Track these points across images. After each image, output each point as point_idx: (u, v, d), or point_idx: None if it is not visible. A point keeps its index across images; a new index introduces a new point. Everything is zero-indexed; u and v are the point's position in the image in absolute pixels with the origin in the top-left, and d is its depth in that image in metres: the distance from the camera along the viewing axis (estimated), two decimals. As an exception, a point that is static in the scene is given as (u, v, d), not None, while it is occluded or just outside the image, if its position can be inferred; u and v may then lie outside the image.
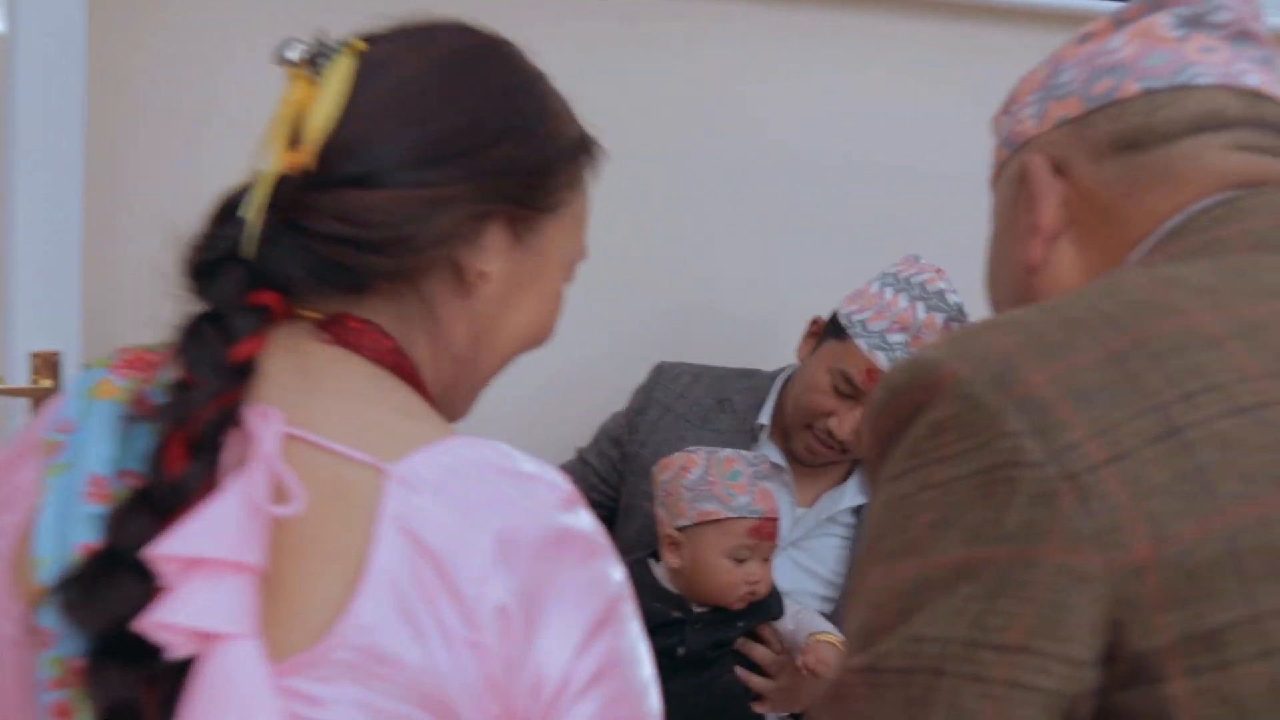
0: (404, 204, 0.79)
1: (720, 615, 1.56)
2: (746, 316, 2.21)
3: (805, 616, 1.62)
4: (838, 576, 1.77)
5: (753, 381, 1.88)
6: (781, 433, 1.80)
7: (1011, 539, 0.64)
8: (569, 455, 1.97)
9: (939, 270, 1.70)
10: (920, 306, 1.66)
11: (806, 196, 2.18)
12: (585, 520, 0.76)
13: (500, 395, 1.80)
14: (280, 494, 0.70)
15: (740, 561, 1.53)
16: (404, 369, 0.82)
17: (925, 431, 0.69)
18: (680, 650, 1.53)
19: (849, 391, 1.67)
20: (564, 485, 0.77)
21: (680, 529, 1.57)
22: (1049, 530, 0.63)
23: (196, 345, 0.75)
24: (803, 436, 1.74)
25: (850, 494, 1.79)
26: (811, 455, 1.75)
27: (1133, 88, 0.83)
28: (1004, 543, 0.64)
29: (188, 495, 0.70)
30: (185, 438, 0.72)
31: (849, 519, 1.80)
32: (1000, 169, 0.93)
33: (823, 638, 1.56)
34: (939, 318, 1.66)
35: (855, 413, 1.68)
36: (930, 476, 0.68)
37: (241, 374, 0.74)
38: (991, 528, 0.65)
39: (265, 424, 0.72)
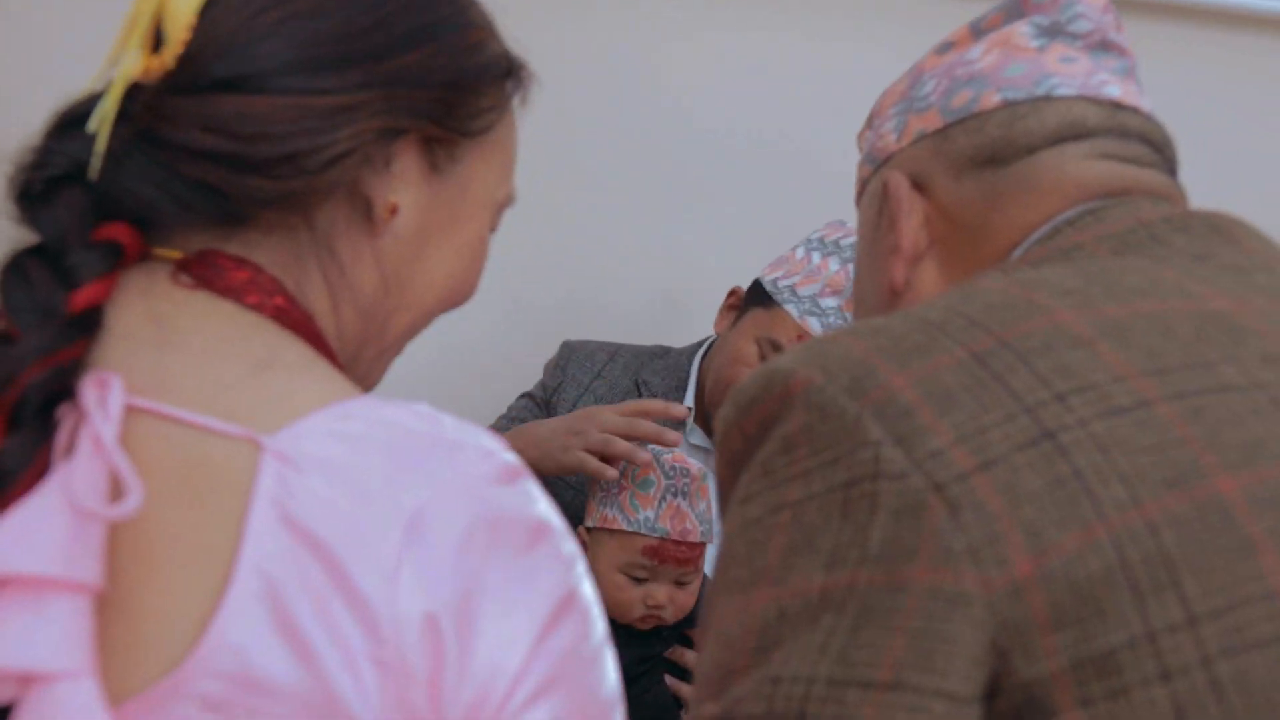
0: (293, 113, 0.63)
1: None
2: (651, 291, 2.08)
3: None
4: None
5: (668, 361, 1.75)
6: (704, 413, 1.69)
7: (876, 561, 0.57)
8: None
9: None
10: (853, 269, 1.55)
11: (714, 167, 2.06)
12: (529, 497, 0.62)
13: (387, 377, 1.62)
14: (119, 488, 0.54)
15: (639, 581, 1.37)
16: (294, 318, 0.66)
17: (777, 447, 0.62)
18: None
19: None
20: (502, 454, 0.62)
21: (588, 529, 1.43)
22: (916, 549, 0.56)
23: (22, 288, 0.59)
24: None
25: None
26: None
27: (992, 99, 0.79)
28: (868, 566, 0.57)
29: (6, 481, 0.54)
30: (4, 406, 0.55)
31: None
32: (863, 186, 0.89)
33: None
34: None
35: None
36: (784, 496, 0.60)
37: (80, 327, 0.58)
38: (853, 549, 0.57)
39: (101, 395, 0.56)
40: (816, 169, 2.03)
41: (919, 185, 0.81)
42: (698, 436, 1.69)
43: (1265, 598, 0.55)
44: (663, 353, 1.77)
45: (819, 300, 1.55)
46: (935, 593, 0.55)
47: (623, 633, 1.38)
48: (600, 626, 0.63)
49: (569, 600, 0.61)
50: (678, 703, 1.42)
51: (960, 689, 0.55)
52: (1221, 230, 0.72)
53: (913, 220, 0.81)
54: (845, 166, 1.95)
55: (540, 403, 1.72)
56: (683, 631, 1.44)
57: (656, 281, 2.08)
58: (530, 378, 1.86)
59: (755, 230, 2.00)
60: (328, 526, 0.56)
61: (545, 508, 0.62)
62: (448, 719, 0.57)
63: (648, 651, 1.40)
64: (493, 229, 0.79)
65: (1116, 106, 0.79)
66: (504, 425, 1.69)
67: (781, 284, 1.58)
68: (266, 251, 0.66)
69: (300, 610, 0.55)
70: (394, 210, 0.69)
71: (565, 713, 0.59)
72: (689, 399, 1.70)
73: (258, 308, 0.64)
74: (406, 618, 0.56)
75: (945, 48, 0.86)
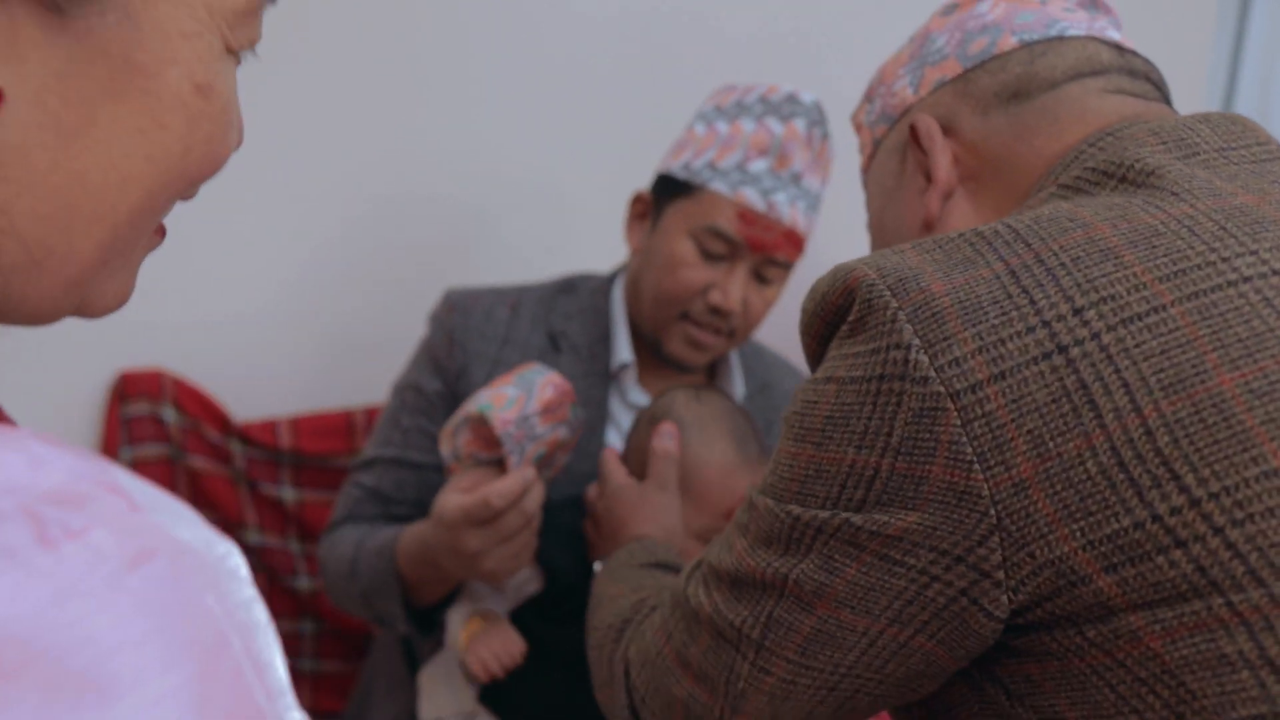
0: None
1: None
2: (522, 217, 1.89)
3: None
4: None
5: (580, 300, 1.47)
6: (649, 353, 1.46)
7: (898, 453, 0.67)
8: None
9: (769, 85, 1.39)
10: (772, 121, 1.34)
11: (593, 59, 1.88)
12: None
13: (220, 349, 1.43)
14: None
15: None
16: None
17: (846, 330, 0.71)
18: None
19: (723, 251, 1.35)
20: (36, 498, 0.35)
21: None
22: (934, 450, 0.66)
23: None
24: (679, 330, 1.40)
25: None
26: (695, 350, 1.40)
27: (1010, 42, 0.87)
28: (891, 454, 0.67)
29: None
30: None
31: None
32: (875, 149, 0.94)
33: None
34: (800, 124, 1.33)
35: (738, 275, 1.36)
36: (836, 371, 0.71)
37: None
38: (880, 437, 0.68)
39: None
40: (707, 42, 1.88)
41: (945, 128, 0.88)
42: (641, 396, 1.45)
43: (1266, 475, 0.61)
44: (568, 287, 1.49)
45: (746, 167, 1.33)
46: (950, 488, 0.65)
47: None
48: None
49: None
50: None
51: (964, 553, 0.66)
52: (1238, 121, 0.78)
53: (946, 157, 0.86)
54: (731, 44, 1.84)
55: (436, 396, 1.43)
56: None
57: (530, 208, 1.90)
58: (399, 313, 1.71)
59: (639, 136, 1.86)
60: None
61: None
62: None
63: None
64: (241, 46, 0.52)
65: (1120, 49, 0.86)
66: (397, 440, 1.42)
67: (696, 165, 1.36)
68: None
69: None
70: None
71: None
72: (623, 348, 1.43)
73: None
74: None
75: (950, 9, 0.93)
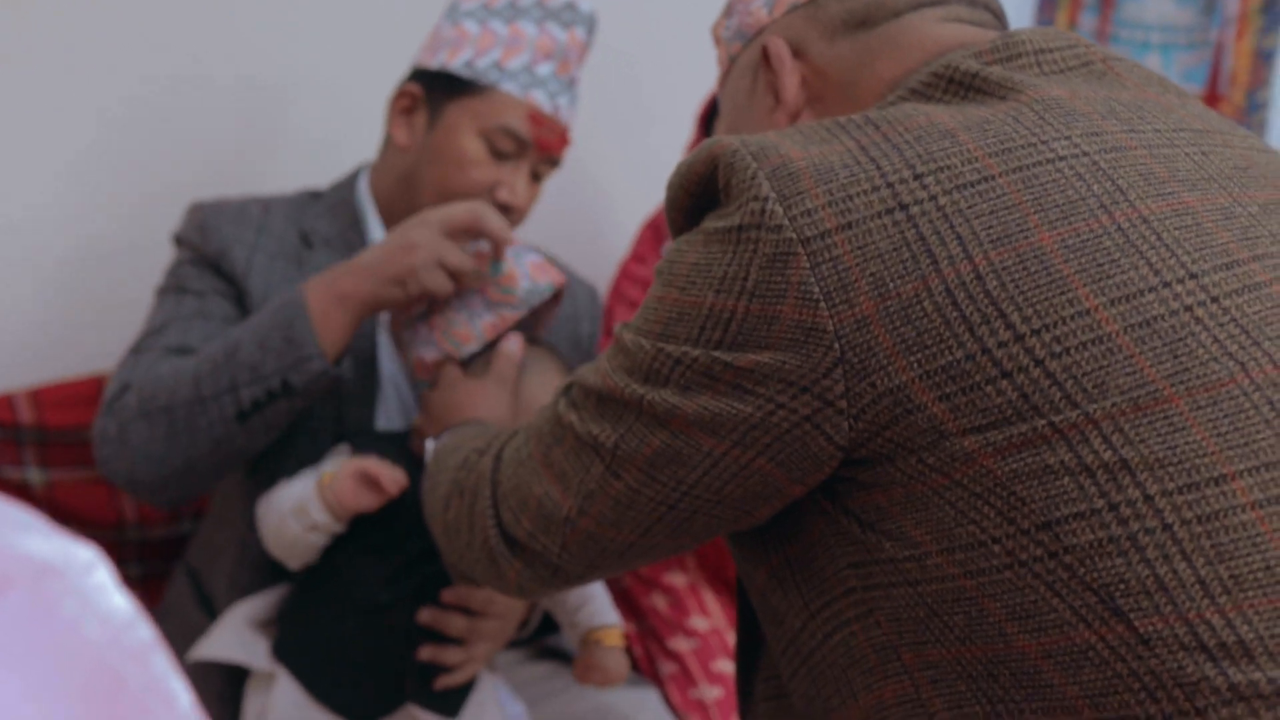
0: None
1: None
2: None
3: (593, 592, 1.30)
4: None
5: (327, 202, 1.48)
6: None
7: (753, 295, 0.75)
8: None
9: None
10: (554, 26, 1.41)
11: None
12: None
13: None
14: None
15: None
16: None
17: (712, 196, 0.80)
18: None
19: (512, 150, 1.39)
20: None
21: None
22: (785, 291, 0.73)
23: None
24: None
25: None
26: None
27: None
28: (746, 297, 0.75)
29: None
30: None
31: None
32: (731, 64, 1.00)
33: (609, 640, 1.25)
34: (580, 32, 1.42)
35: (522, 172, 1.41)
36: (704, 225, 0.78)
37: None
38: (737, 282, 0.75)
39: None
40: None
41: (795, 51, 0.93)
42: None
43: (1079, 315, 0.71)
44: (312, 199, 1.49)
45: (534, 70, 1.39)
46: (799, 325, 0.73)
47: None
48: None
49: None
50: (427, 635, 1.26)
51: (803, 383, 0.74)
52: (1059, 33, 0.87)
53: (794, 79, 0.92)
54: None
55: (210, 268, 1.39)
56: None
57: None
58: (151, 252, 1.53)
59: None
60: None
61: None
62: None
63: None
64: None
65: None
66: (189, 302, 1.36)
67: (480, 65, 1.38)
68: None
69: None
70: None
71: None
72: (375, 233, 1.44)
73: None
74: None
75: None
